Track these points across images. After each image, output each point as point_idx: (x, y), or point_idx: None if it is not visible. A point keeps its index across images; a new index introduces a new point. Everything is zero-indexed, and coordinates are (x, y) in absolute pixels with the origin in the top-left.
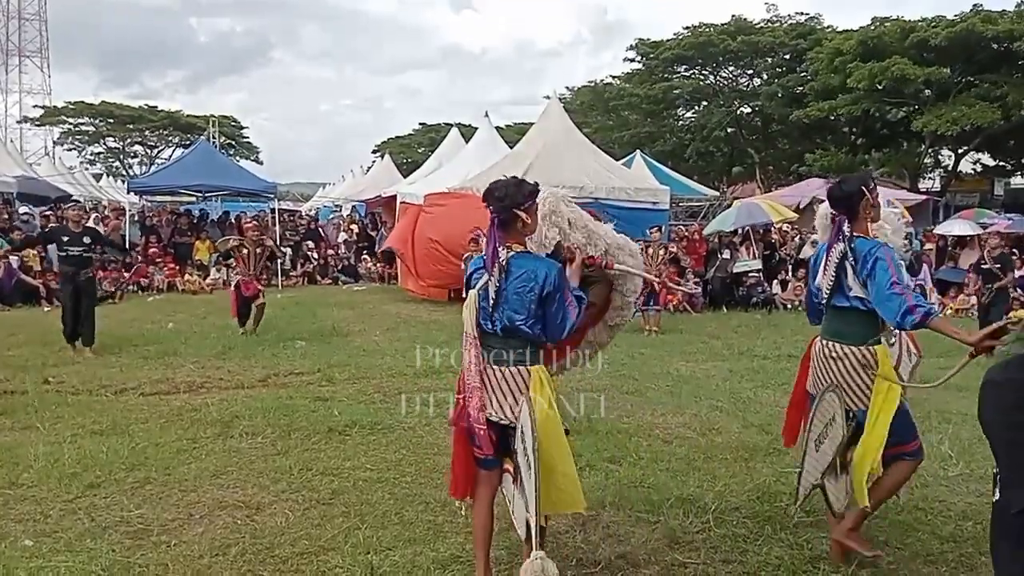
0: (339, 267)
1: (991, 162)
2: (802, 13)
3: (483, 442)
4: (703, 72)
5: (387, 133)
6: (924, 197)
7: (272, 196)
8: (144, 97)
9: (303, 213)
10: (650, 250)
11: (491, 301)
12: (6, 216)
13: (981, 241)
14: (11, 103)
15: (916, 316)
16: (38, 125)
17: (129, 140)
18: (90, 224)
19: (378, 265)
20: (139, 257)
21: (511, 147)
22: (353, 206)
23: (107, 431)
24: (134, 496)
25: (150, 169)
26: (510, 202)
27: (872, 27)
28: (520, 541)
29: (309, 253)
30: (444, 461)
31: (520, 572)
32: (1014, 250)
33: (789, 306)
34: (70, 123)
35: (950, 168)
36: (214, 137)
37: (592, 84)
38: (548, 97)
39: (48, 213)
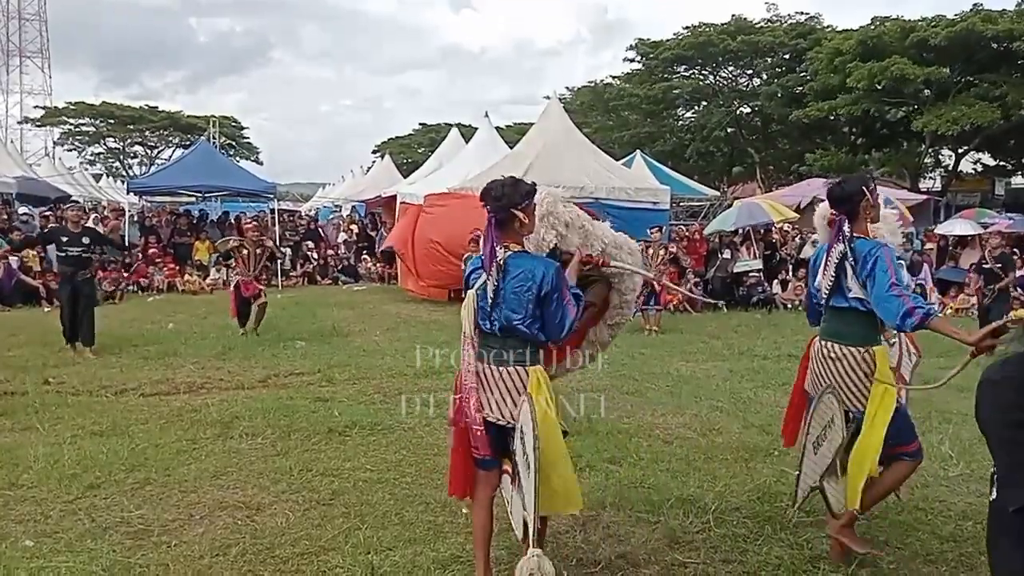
0: (339, 267)
1: (991, 162)
2: (802, 13)
3: (480, 443)
4: (703, 72)
5: (387, 133)
6: (925, 197)
7: (272, 196)
8: (144, 97)
9: (303, 213)
10: (650, 250)
11: (489, 301)
12: (6, 216)
13: (982, 241)
14: (12, 103)
15: (915, 318)
16: (38, 125)
17: (129, 140)
18: (89, 224)
19: (378, 265)
20: (139, 255)
21: (511, 147)
22: (353, 206)
23: (107, 432)
24: (134, 497)
25: (150, 169)
26: (507, 202)
27: (872, 27)
28: (519, 541)
29: (309, 253)
30: (444, 462)
31: (516, 569)
32: (1015, 250)
33: (789, 306)
34: (70, 123)
35: (950, 168)
36: (214, 137)
37: (592, 84)
38: (548, 97)
39: (48, 214)
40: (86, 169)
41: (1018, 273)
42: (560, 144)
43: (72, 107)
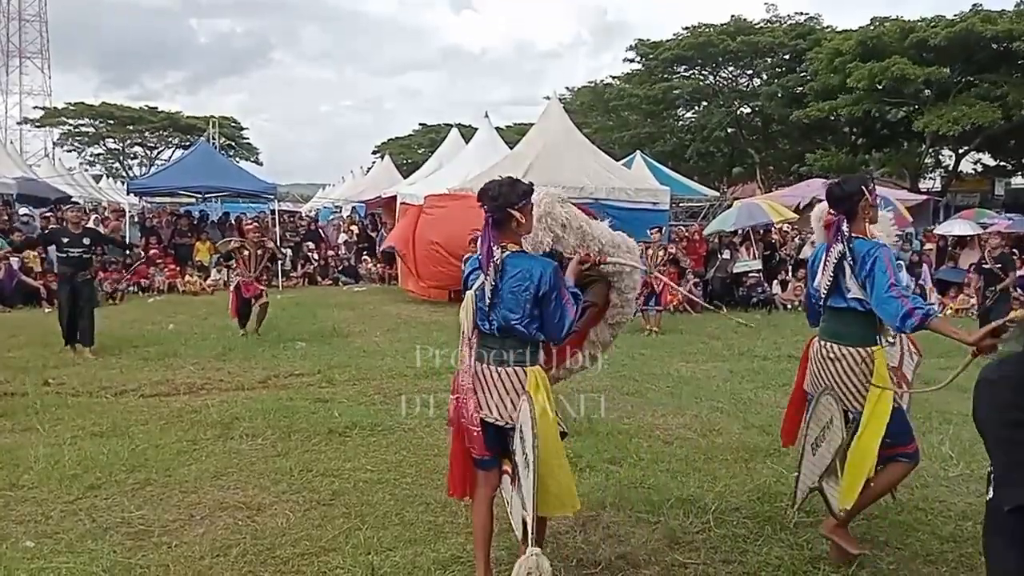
0: (339, 268)
1: (991, 162)
2: (802, 13)
3: (476, 443)
4: (703, 72)
5: (387, 134)
6: (925, 197)
7: (272, 197)
8: (144, 98)
9: (303, 214)
10: (650, 251)
11: (487, 301)
12: (6, 217)
13: (981, 241)
14: (11, 104)
15: (915, 319)
16: (38, 126)
17: (129, 141)
18: (90, 225)
19: (378, 266)
20: (141, 253)
21: (511, 147)
22: (353, 207)
23: (107, 433)
24: (135, 497)
25: (150, 170)
26: (504, 202)
27: (872, 27)
28: (519, 542)
29: (309, 254)
30: (444, 462)
31: (515, 568)
32: (1014, 250)
33: (789, 306)
34: (70, 124)
35: (951, 168)
36: (214, 138)
37: (592, 85)
38: (548, 98)
39: (48, 214)
40: (86, 170)
41: (1018, 273)
42: (560, 144)
43: (72, 108)
